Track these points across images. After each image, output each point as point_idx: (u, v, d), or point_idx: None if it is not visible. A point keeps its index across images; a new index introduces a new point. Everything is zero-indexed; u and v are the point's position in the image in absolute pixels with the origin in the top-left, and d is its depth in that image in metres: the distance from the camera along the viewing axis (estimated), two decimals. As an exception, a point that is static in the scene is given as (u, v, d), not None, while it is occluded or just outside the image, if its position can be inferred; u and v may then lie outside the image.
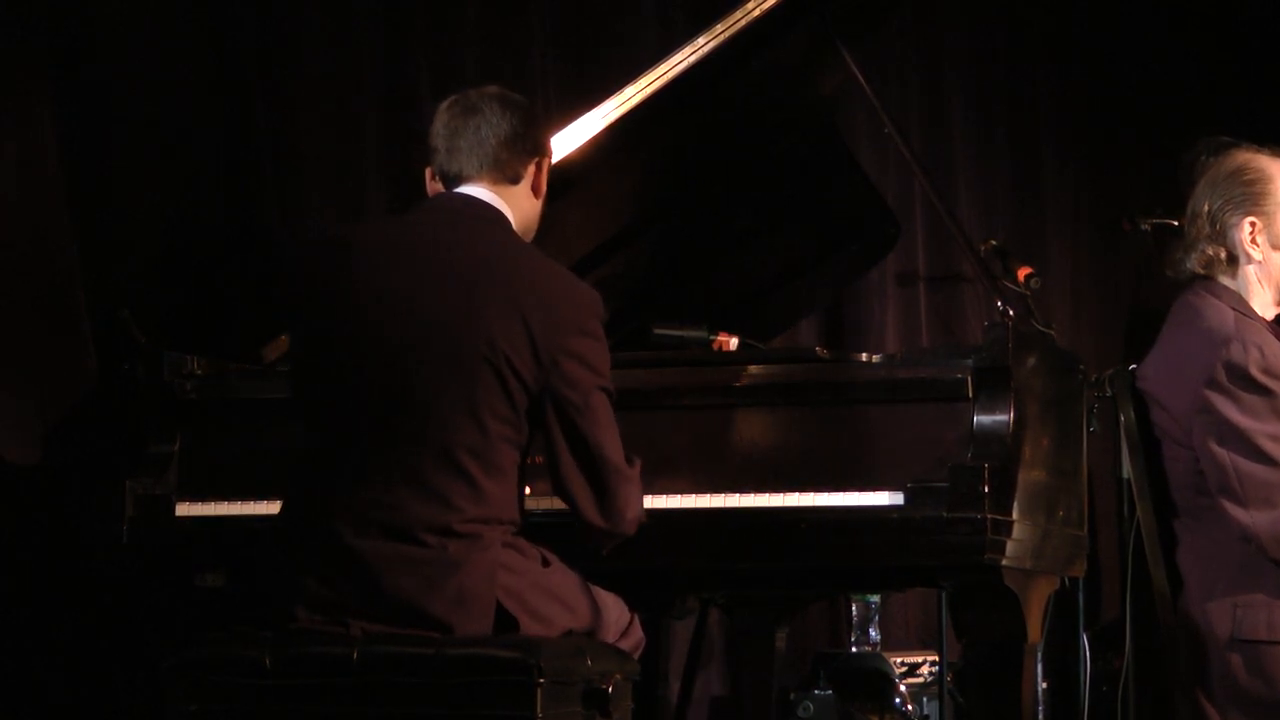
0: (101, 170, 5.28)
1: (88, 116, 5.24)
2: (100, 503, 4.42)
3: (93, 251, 5.22)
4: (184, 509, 4.36)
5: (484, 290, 3.67)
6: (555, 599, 3.78)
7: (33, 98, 5.15)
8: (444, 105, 3.87)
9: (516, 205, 3.85)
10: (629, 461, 3.80)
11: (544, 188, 3.91)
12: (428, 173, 3.89)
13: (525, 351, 3.65)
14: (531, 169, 3.87)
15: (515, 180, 3.85)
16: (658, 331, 4.68)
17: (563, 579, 3.82)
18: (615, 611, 3.95)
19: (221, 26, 5.50)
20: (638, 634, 4.01)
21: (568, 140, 4.49)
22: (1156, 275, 4.83)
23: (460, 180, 3.82)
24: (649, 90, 4.47)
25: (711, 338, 4.66)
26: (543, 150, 3.90)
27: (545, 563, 3.80)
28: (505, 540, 3.72)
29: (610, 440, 3.74)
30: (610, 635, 3.92)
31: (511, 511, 3.75)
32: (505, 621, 3.68)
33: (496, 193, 3.82)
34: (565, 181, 4.49)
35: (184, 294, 5.19)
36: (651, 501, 4.10)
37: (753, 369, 4.27)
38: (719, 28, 4.45)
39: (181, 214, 5.42)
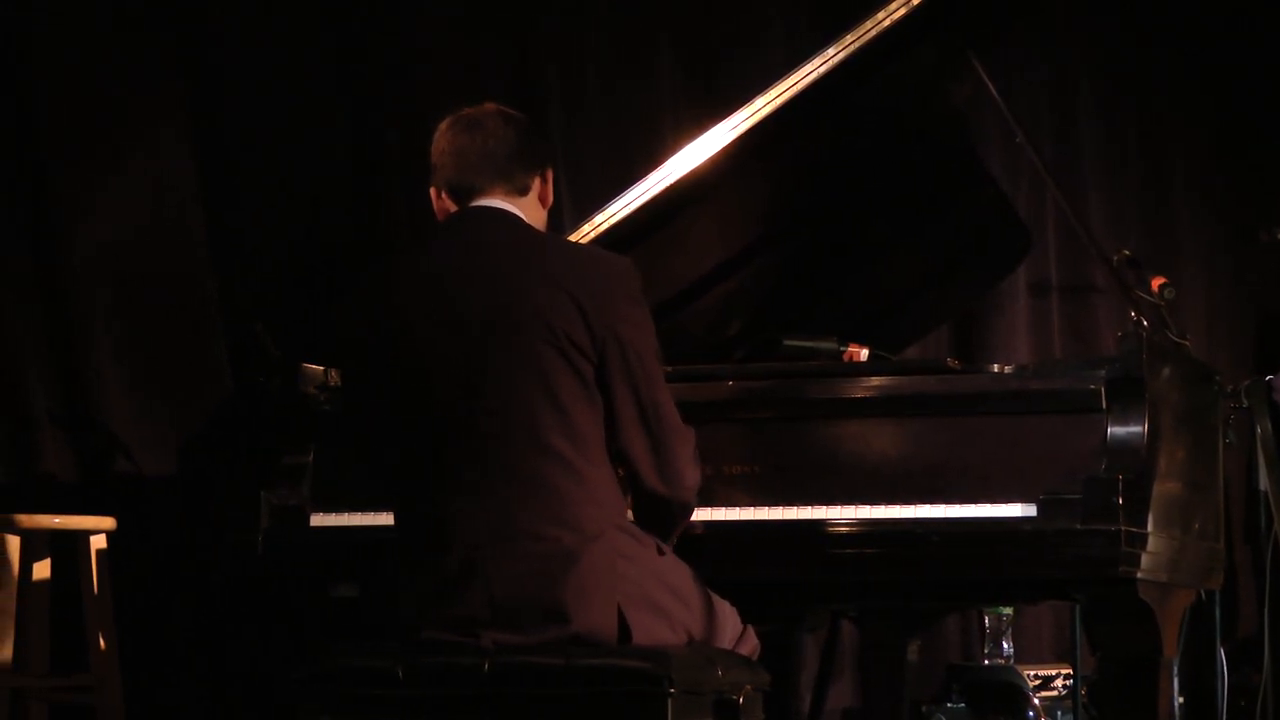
0: (235, 186, 5.36)
1: (221, 134, 5.33)
2: (236, 514, 4.44)
3: (228, 266, 5.31)
4: (318, 519, 4.38)
5: (527, 279, 3.75)
6: (670, 590, 3.79)
7: (169, 122, 5.26)
8: (444, 124, 3.94)
9: (527, 214, 3.91)
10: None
11: (550, 199, 3.99)
12: (433, 192, 3.95)
13: (579, 325, 3.71)
14: (538, 180, 3.94)
15: (524, 192, 3.91)
16: (788, 343, 4.65)
17: (678, 570, 3.84)
18: (730, 618, 3.94)
19: (349, 36, 5.56)
20: (753, 642, 4.00)
21: (697, 152, 4.48)
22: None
23: (472, 194, 3.89)
24: (779, 101, 4.44)
25: (842, 349, 4.63)
26: (547, 162, 3.97)
27: (660, 552, 3.83)
28: (618, 524, 3.77)
29: (667, 401, 3.81)
30: (726, 641, 3.92)
31: (615, 495, 3.79)
32: (624, 613, 3.71)
33: (509, 202, 3.89)
34: (694, 194, 4.53)
35: (317, 307, 5.20)
36: (782, 513, 4.11)
37: (884, 380, 4.24)
38: (849, 38, 4.42)
39: (313, 229, 5.49)
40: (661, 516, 3.88)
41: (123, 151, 5.24)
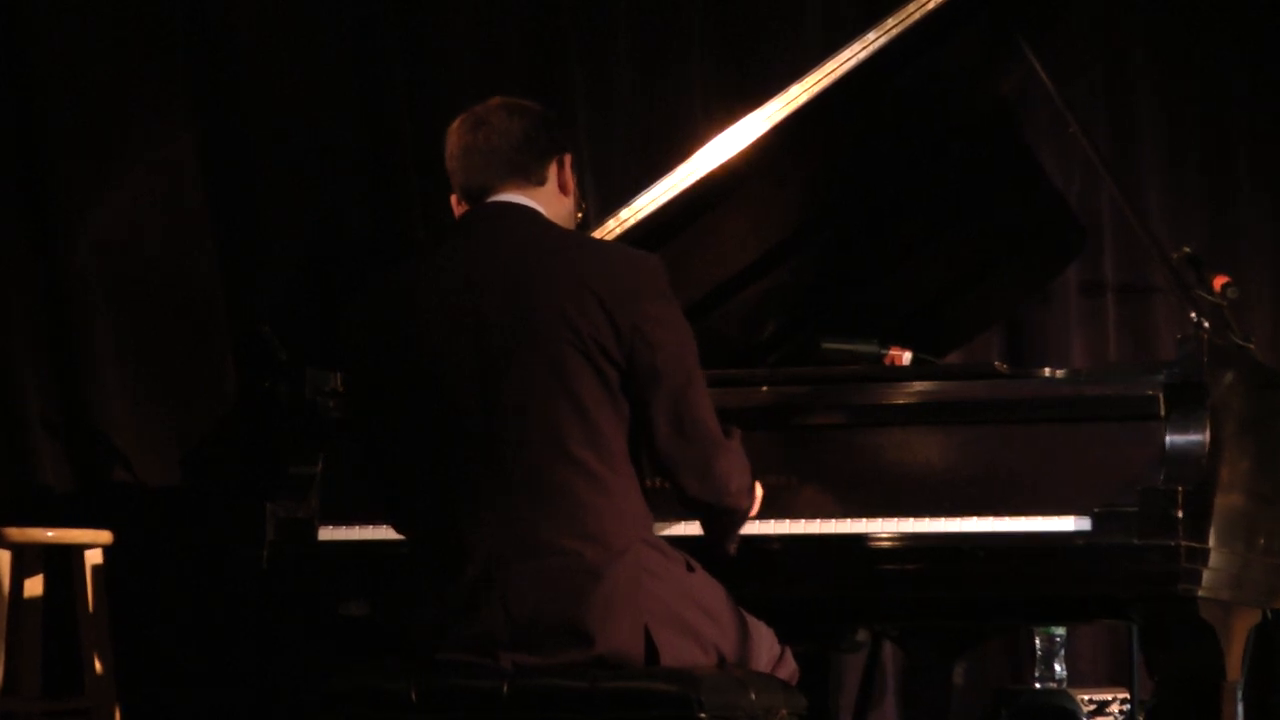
0: (242, 185, 5.39)
1: (228, 131, 5.37)
2: (240, 526, 4.42)
3: (233, 265, 5.35)
4: (326, 533, 4.32)
5: (547, 277, 3.68)
6: (700, 608, 3.72)
7: (174, 116, 5.31)
8: (452, 127, 3.89)
9: (548, 206, 3.86)
10: (726, 433, 3.79)
11: (572, 185, 3.93)
12: (453, 199, 3.91)
13: (603, 325, 3.64)
14: (554, 168, 3.88)
15: (540, 182, 3.85)
16: (826, 346, 4.61)
17: (708, 587, 3.77)
18: (767, 640, 3.87)
19: (364, 33, 5.58)
20: (791, 665, 3.93)
21: (729, 143, 4.43)
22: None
23: (486, 193, 3.84)
24: (816, 89, 4.39)
25: (883, 352, 4.60)
26: (562, 147, 3.91)
27: (689, 568, 3.76)
28: (645, 539, 3.69)
29: (703, 403, 3.73)
30: (762, 663, 3.85)
31: (641, 508, 3.72)
32: (651, 633, 3.65)
33: (525, 196, 3.84)
34: (726, 187, 4.47)
35: (327, 308, 5.22)
36: (820, 526, 4.05)
37: (928, 386, 4.19)
38: (890, 22, 4.37)
39: (323, 227, 5.51)
40: (710, 524, 3.83)
41: (126, 150, 5.25)
